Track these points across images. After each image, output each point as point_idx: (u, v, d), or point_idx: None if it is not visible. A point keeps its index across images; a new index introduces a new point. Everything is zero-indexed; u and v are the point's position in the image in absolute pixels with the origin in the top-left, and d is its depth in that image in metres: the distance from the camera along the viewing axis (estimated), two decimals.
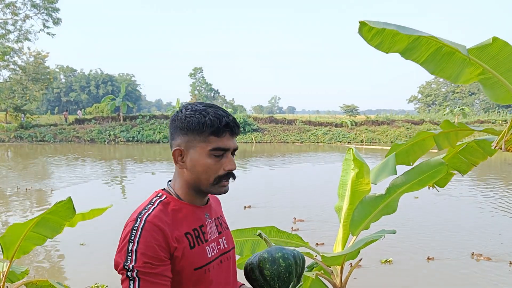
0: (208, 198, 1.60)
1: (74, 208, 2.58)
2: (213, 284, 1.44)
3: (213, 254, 1.48)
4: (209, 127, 1.40)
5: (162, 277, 1.32)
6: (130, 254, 1.32)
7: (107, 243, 8.67)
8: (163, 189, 1.52)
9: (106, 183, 16.49)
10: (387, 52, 3.21)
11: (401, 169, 3.42)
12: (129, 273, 1.30)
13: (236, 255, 1.77)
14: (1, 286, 2.83)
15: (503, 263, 7.51)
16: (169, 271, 1.35)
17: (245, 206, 11.59)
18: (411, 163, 3.59)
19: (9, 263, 2.81)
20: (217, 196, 1.66)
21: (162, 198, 1.46)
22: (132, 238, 1.33)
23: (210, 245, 1.48)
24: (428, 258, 7.61)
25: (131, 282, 1.30)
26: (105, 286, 6.45)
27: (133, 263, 1.30)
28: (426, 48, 3.16)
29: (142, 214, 1.38)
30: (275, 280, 1.49)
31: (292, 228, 9.54)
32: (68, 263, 7.77)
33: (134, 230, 1.34)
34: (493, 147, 2.45)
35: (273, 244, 1.66)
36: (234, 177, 1.49)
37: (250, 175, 19.20)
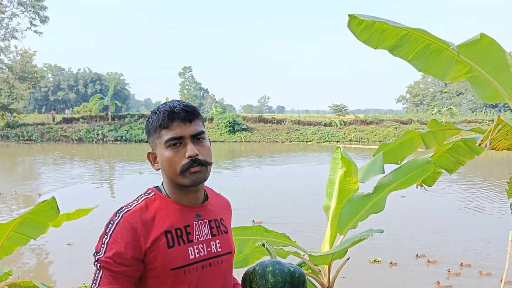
0: (206, 199, 1.55)
1: (58, 208, 2.53)
2: (193, 285, 1.40)
3: (197, 256, 1.42)
4: (158, 122, 1.42)
5: (122, 277, 1.33)
6: (102, 246, 1.37)
7: (94, 243, 8.59)
8: (156, 187, 1.52)
9: (94, 183, 16.36)
10: (375, 48, 3.20)
11: (389, 168, 3.42)
12: (97, 263, 1.36)
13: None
14: None
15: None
16: (134, 272, 1.35)
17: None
18: (399, 162, 3.60)
19: None
20: (226, 199, 1.70)
21: (150, 195, 1.46)
22: (107, 231, 1.38)
23: (196, 246, 1.43)
24: (417, 256, 7.66)
25: (97, 272, 1.36)
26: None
27: (101, 255, 1.36)
28: (414, 45, 3.15)
29: (122, 210, 1.41)
30: None
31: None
32: (56, 264, 7.69)
33: (111, 224, 1.38)
34: (477, 145, 2.45)
35: (275, 256, 1.58)
36: (201, 164, 1.40)
37: (239, 175, 19.18)
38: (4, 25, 38.22)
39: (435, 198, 13.09)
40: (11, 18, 37.98)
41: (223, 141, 37.94)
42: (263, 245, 1.59)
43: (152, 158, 1.50)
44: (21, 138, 35.51)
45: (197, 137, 1.42)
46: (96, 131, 37.06)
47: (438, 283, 6.41)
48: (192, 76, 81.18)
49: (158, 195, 1.46)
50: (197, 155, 1.39)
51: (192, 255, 1.41)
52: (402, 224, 10.02)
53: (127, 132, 37.64)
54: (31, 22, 38.29)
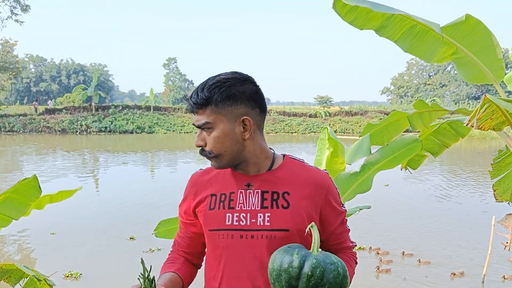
0: (270, 169, 1.47)
1: (39, 187, 2.47)
2: (224, 253, 1.44)
3: (236, 224, 1.41)
4: None
5: (181, 227, 1.61)
6: None
7: (77, 232, 8.51)
8: None
9: (78, 174, 16.18)
10: (361, 29, 3.18)
11: (376, 149, 3.42)
12: None
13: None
14: None
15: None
16: (187, 225, 1.58)
17: None
18: (385, 143, 3.60)
19: None
20: (318, 176, 1.48)
21: None
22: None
23: (236, 214, 1.42)
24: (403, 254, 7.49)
25: None
26: (78, 274, 6.32)
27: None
28: (400, 26, 3.14)
29: (195, 172, 1.61)
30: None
31: None
32: (39, 252, 7.58)
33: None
34: (465, 125, 2.46)
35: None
36: (205, 155, 1.42)
37: None
38: None
39: (414, 185, 13.23)
40: None
41: None
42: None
43: None
44: (2, 129, 34.90)
45: (202, 127, 1.40)
46: (79, 122, 36.59)
47: (378, 268, 6.51)
48: (177, 68, 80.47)
49: None
50: (201, 146, 1.42)
51: (228, 221, 1.42)
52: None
53: (111, 123, 37.23)
54: (11, 11, 37.54)
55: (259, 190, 1.44)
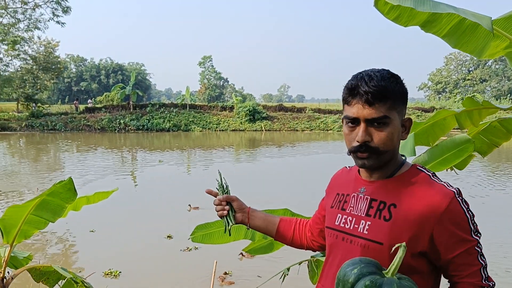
0: (391, 176, 1.38)
1: (75, 189, 2.44)
2: (329, 251, 1.50)
3: (342, 225, 1.44)
4: (343, 95, 1.39)
5: (315, 216, 1.75)
6: None
7: (116, 229, 8.63)
8: None
9: (115, 171, 16.47)
10: (405, 26, 3.00)
11: (420, 150, 3.24)
12: None
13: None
14: (2, 272, 2.72)
15: None
16: (320, 210, 1.72)
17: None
18: (430, 143, 3.41)
19: (9, 248, 2.70)
20: (436, 197, 1.29)
21: None
22: None
23: (344, 216, 1.44)
24: None
25: None
26: (118, 272, 6.38)
27: None
28: (447, 21, 2.95)
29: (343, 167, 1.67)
30: None
31: None
32: (79, 250, 7.72)
33: None
34: None
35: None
36: (371, 151, 1.32)
37: (259, 164, 19.09)
38: (28, 16, 38.73)
39: None
40: (34, 9, 38.44)
41: (243, 130, 37.89)
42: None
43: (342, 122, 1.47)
44: (45, 128, 36.02)
45: (376, 122, 1.31)
46: (118, 120, 37.37)
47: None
48: (212, 66, 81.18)
49: None
50: (367, 141, 1.31)
51: (337, 222, 1.46)
52: None
53: (148, 121, 37.86)
54: (53, 13, 38.70)
55: (369, 197, 1.40)
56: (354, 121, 1.33)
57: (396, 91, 1.33)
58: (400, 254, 1.15)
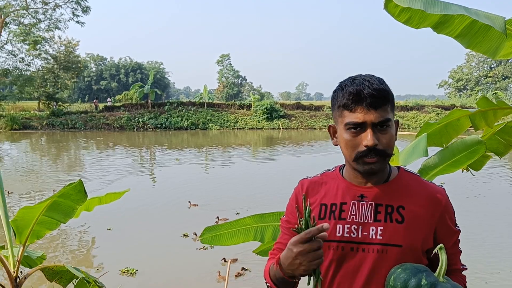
0: (387, 181, 1.40)
1: (85, 192, 2.47)
2: (337, 265, 1.39)
3: (346, 235, 1.37)
4: (343, 101, 1.34)
5: (284, 234, 1.52)
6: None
7: (132, 228, 8.72)
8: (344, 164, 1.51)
9: (134, 170, 16.63)
10: (417, 28, 2.95)
11: (433, 151, 3.19)
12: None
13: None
14: (15, 271, 2.77)
15: None
16: (291, 232, 1.46)
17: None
18: (444, 144, 3.35)
19: (22, 248, 2.74)
20: (434, 192, 1.38)
21: (330, 170, 1.54)
22: (290, 197, 1.55)
23: (347, 225, 1.37)
24: None
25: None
26: (134, 270, 6.44)
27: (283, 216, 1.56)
28: (460, 21, 2.89)
29: (304, 178, 1.54)
30: None
31: None
32: (97, 248, 7.83)
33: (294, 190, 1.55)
34: None
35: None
36: (379, 154, 1.30)
37: (279, 162, 19.06)
38: (48, 16, 39.36)
39: None
40: (54, 9, 39.04)
41: (260, 128, 37.90)
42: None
43: (332, 131, 1.48)
44: (65, 126, 36.58)
45: (381, 125, 1.31)
46: (136, 119, 37.75)
47: None
48: (230, 64, 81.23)
49: (336, 171, 1.50)
50: (376, 145, 1.30)
51: (339, 233, 1.38)
52: None
53: (167, 120, 38.16)
54: (73, 13, 39.21)
55: (373, 203, 1.38)
56: (357, 126, 1.31)
57: (391, 94, 1.36)
58: (444, 256, 1.20)
